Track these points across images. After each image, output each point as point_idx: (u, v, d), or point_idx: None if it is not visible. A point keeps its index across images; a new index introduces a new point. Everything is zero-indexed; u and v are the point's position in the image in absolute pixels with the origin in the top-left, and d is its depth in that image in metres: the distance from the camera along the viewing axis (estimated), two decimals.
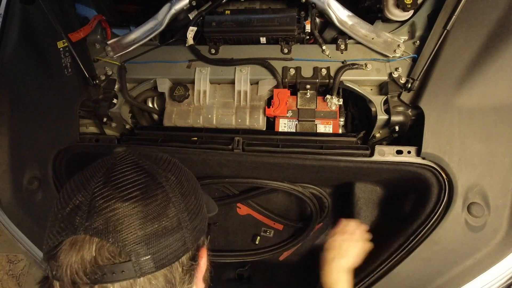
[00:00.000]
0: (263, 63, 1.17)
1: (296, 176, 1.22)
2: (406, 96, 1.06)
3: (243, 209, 1.53)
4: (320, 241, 1.48)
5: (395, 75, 1.09)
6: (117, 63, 1.26)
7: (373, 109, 1.10)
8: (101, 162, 0.56)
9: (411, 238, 0.97)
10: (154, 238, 0.48)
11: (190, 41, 1.23)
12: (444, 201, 0.95)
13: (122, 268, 0.46)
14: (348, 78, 1.13)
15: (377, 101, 1.09)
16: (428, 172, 0.98)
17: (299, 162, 1.05)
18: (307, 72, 1.15)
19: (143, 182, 0.52)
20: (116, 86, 1.24)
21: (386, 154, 1.00)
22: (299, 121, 1.16)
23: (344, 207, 1.37)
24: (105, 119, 1.22)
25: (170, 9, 1.26)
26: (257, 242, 1.49)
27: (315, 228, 1.44)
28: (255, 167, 1.13)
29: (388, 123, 1.07)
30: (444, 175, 0.96)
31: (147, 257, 0.47)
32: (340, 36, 1.20)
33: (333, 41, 1.21)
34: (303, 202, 1.41)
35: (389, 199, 1.20)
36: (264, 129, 1.19)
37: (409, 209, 1.08)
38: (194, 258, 0.55)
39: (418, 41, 1.12)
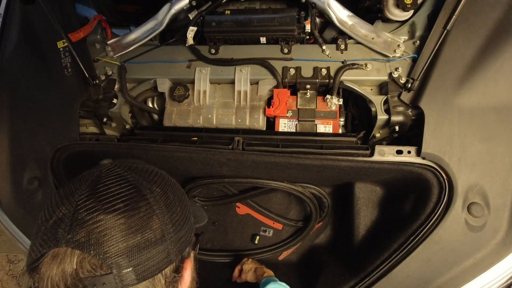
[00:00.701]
0: (263, 63, 1.17)
1: (296, 176, 1.21)
2: (406, 96, 1.06)
3: (242, 209, 1.53)
4: (319, 240, 1.47)
5: (395, 75, 1.09)
6: (117, 63, 1.26)
7: (373, 109, 1.10)
8: (86, 174, 0.56)
9: (411, 238, 0.97)
10: (136, 251, 0.48)
11: (190, 41, 1.23)
12: (444, 200, 0.95)
13: (103, 280, 0.46)
14: (348, 78, 1.13)
15: (377, 101, 1.09)
16: (428, 172, 0.97)
17: (299, 162, 1.05)
18: (307, 72, 1.15)
19: (126, 194, 0.52)
20: (116, 86, 1.24)
21: (386, 154, 1.00)
22: (299, 121, 1.16)
23: (343, 207, 1.37)
24: (105, 119, 1.22)
25: (170, 9, 1.26)
26: (256, 242, 1.49)
27: (315, 228, 1.44)
28: (255, 166, 1.13)
29: (388, 123, 1.07)
30: (444, 175, 0.96)
31: (128, 270, 0.47)
32: (340, 36, 1.20)
33: (333, 41, 1.21)
34: (303, 202, 1.41)
35: (389, 199, 1.20)
36: (264, 129, 1.19)
37: (409, 209, 1.07)
38: (178, 270, 0.55)
39: (418, 41, 1.12)
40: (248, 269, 1.24)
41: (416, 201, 1.06)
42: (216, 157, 1.10)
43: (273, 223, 1.51)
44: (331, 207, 1.40)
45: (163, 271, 0.51)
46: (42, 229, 0.50)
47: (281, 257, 1.48)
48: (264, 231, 1.51)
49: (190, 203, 0.66)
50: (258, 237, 1.50)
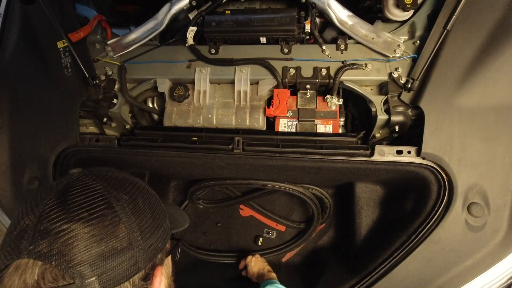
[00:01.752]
0: (263, 63, 1.17)
1: (296, 177, 1.22)
2: (406, 96, 1.06)
3: (245, 211, 1.55)
4: (322, 242, 1.47)
5: (395, 75, 1.09)
6: (117, 63, 1.26)
7: (373, 109, 1.10)
8: (54, 184, 0.55)
9: (412, 237, 0.98)
10: (100, 260, 0.48)
11: (190, 41, 1.23)
12: (444, 200, 0.96)
13: None
14: (348, 78, 1.13)
15: (377, 101, 1.09)
16: (426, 170, 0.98)
17: (296, 164, 1.06)
18: (307, 72, 1.15)
19: (92, 203, 0.51)
20: (116, 86, 1.24)
21: (386, 154, 1.00)
22: (299, 121, 1.16)
23: (345, 208, 1.37)
24: (105, 119, 1.22)
25: (170, 9, 1.26)
26: (259, 244, 1.49)
27: (317, 229, 1.44)
28: (254, 169, 1.14)
29: (388, 123, 1.07)
30: (444, 175, 0.97)
31: (92, 279, 0.47)
32: (340, 36, 1.20)
33: (333, 41, 1.21)
34: (305, 203, 1.41)
35: (389, 198, 1.21)
36: (264, 129, 1.19)
37: (409, 208, 1.08)
38: (147, 278, 0.54)
39: (418, 41, 1.12)
40: (254, 264, 1.27)
41: (416, 200, 1.07)
42: (216, 162, 1.11)
43: (276, 225, 1.52)
44: (333, 208, 1.40)
45: (131, 279, 0.50)
46: (7, 240, 0.50)
47: (284, 259, 1.48)
48: (268, 232, 1.51)
49: (172, 207, 0.65)
50: (261, 238, 1.50)
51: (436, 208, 0.96)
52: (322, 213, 1.39)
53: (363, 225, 1.21)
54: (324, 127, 1.15)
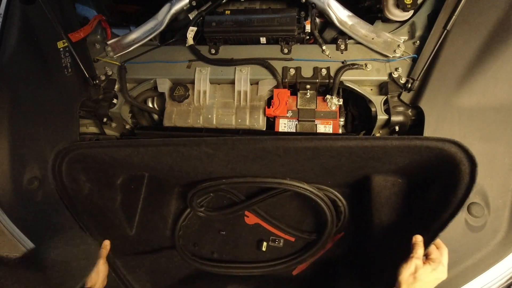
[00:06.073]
0: (263, 63, 1.17)
1: (297, 170, 1.12)
2: (406, 96, 1.06)
3: (251, 218, 1.42)
4: (338, 252, 1.30)
5: (395, 75, 1.09)
6: (117, 63, 1.27)
7: (373, 109, 1.10)
8: None
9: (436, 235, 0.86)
10: None
11: (190, 41, 1.23)
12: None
13: None
14: (348, 78, 1.13)
15: (377, 101, 1.09)
16: (452, 146, 0.84)
17: (288, 145, 0.95)
18: (307, 72, 1.15)
19: None
20: (116, 86, 1.24)
21: None
22: (299, 121, 1.16)
23: (361, 210, 1.24)
24: (105, 119, 1.22)
25: (170, 9, 1.26)
26: (263, 249, 1.35)
27: (335, 239, 1.30)
28: (245, 157, 1.04)
29: (388, 123, 1.07)
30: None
31: None
32: (340, 36, 1.20)
33: (333, 41, 1.21)
34: (316, 209, 1.28)
35: (412, 191, 1.07)
36: (264, 129, 1.19)
37: (434, 199, 0.94)
38: None
39: (418, 41, 1.12)
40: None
41: (442, 188, 0.93)
42: (202, 149, 1.02)
43: (285, 235, 1.38)
44: (348, 212, 1.26)
45: None
46: None
47: (295, 272, 1.32)
48: (274, 240, 1.37)
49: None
50: (265, 243, 1.36)
51: (469, 191, 0.84)
52: (336, 219, 1.25)
53: (383, 225, 1.07)
54: (324, 127, 1.15)
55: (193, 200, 1.35)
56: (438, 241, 0.88)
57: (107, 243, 1.05)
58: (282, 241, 1.36)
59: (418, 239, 0.87)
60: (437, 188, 0.96)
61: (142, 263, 1.23)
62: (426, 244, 0.86)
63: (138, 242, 1.26)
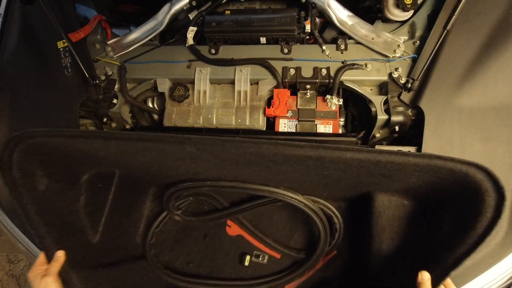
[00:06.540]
0: (263, 63, 1.17)
1: (292, 181, 1.00)
2: (406, 96, 1.06)
3: (233, 228, 1.25)
4: (331, 270, 1.16)
5: (395, 75, 1.09)
6: (117, 63, 1.27)
7: (373, 109, 1.10)
8: None
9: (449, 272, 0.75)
10: None
11: (190, 41, 1.23)
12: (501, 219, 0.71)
13: None
14: (348, 78, 1.13)
15: (377, 101, 1.09)
16: (479, 172, 0.71)
17: (285, 152, 0.82)
18: (307, 72, 1.15)
19: None
20: (116, 86, 1.24)
21: None
22: (299, 121, 1.16)
23: (359, 230, 1.11)
24: (105, 119, 1.22)
25: (170, 9, 1.26)
26: (246, 263, 1.20)
27: (327, 258, 1.17)
28: (235, 162, 0.91)
29: (388, 123, 1.07)
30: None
31: None
32: (340, 36, 1.20)
33: (333, 41, 1.21)
34: (307, 224, 1.18)
35: (420, 217, 0.94)
36: (264, 129, 1.19)
37: (448, 230, 0.82)
38: None
39: (418, 41, 1.12)
40: None
41: (458, 218, 0.81)
42: (186, 148, 0.88)
43: (270, 251, 1.21)
44: (344, 230, 1.12)
45: None
46: None
47: None
48: (257, 256, 1.21)
49: None
50: (248, 257, 1.20)
51: (491, 227, 0.71)
52: (330, 237, 1.11)
53: (383, 253, 0.95)
54: (324, 127, 1.15)
55: (170, 201, 1.20)
56: (448, 281, 0.76)
57: (60, 255, 0.90)
58: (266, 257, 1.21)
59: (425, 277, 0.76)
60: (451, 218, 0.83)
61: (105, 276, 1.06)
62: (434, 284, 0.76)
63: (103, 251, 1.10)
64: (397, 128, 1.07)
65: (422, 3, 1.15)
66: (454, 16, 1.01)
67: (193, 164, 0.99)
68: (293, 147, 0.82)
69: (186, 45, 1.24)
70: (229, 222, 1.26)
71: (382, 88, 1.14)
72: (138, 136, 0.89)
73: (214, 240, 1.26)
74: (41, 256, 0.91)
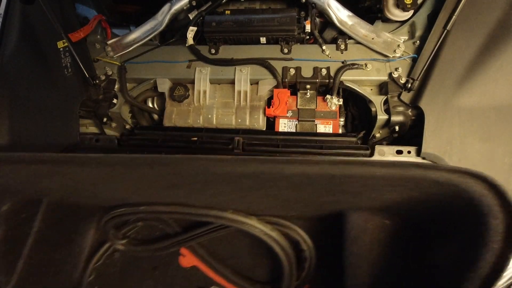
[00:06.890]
0: (263, 63, 1.17)
1: (254, 200, 0.82)
2: (406, 96, 1.06)
3: (188, 258, 1.08)
4: None
5: (395, 75, 1.09)
6: (117, 63, 1.27)
7: (373, 109, 1.10)
8: None
9: None
10: None
11: (190, 41, 1.23)
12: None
13: None
14: (348, 78, 1.13)
15: (377, 101, 1.09)
16: (477, 182, 0.53)
17: (225, 170, 0.66)
18: (307, 72, 1.15)
19: None
20: (116, 86, 1.24)
21: (386, 154, 1.00)
22: (299, 121, 1.16)
23: (333, 258, 0.89)
24: (105, 119, 1.22)
25: (170, 9, 1.26)
26: None
27: None
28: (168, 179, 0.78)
29: (388, 123, 1.07)
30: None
31: None
32: (340, 36, 1.20)
33: (333, 41, 1.21)
34: (273, 250, 0.94)
35: (407, 240, 0.75)
36: (264, 129, 1.19)
37: (443, 259, 0.62)
38: None
39: (418, 41, 1.12)
40: None
41: (456, 247, 0.62)
42: (118, 170, 0.73)
43: (230, 285, 1.03)
44: (315, 259, 0.88)
45: None
46: None
47: None
48: None
49: None
50: None
51: (503, 258, 0.51)
52: (300, 268, 0.90)
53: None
54: (324, 127, 1.15)
55: (109, 229, 1.04)
56: None
57: None
58: None
59: None
60: (447, 247, 0.64)
61: None
62: None
63: None
64: (397, 128, 1.07)
65: (422, 3, 1.15)
66: (454, 16, 1.01)
67: (133, 186, 0.86)
68: (237, 163, 0.65)
69: (186, 45, 1.24)
70: (183, 250, 1.08)
71: (382, 88, 1.14)
72: (61, 158, 0.75)
73: (166, 273, 1.07)
74: None
